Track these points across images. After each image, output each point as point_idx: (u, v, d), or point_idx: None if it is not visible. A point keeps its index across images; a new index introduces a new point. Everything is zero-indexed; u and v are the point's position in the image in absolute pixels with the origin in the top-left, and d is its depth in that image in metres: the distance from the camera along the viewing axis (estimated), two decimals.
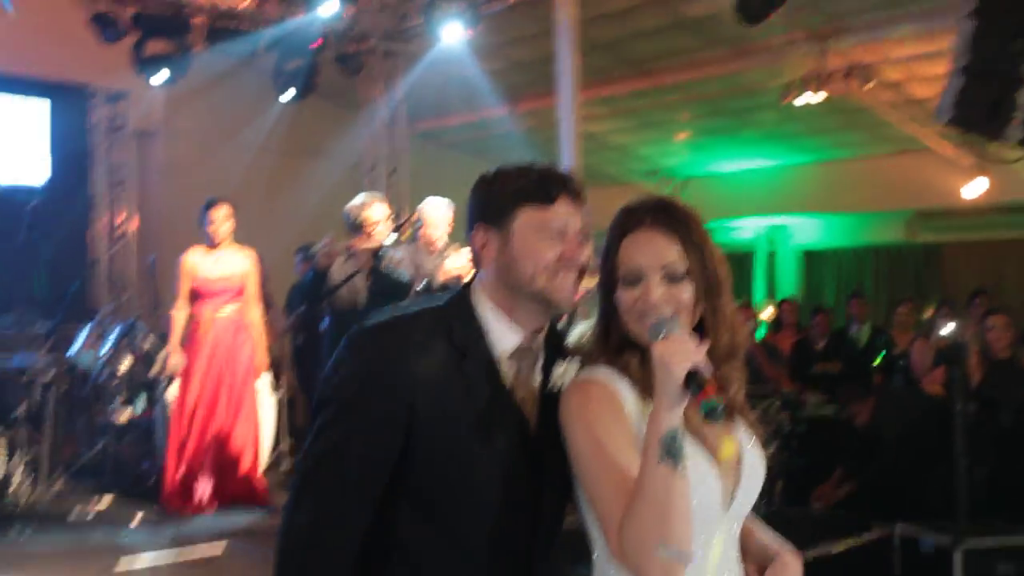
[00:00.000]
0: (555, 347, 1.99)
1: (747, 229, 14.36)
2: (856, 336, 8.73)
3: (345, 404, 1.84)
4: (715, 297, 1.84)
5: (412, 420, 1.80)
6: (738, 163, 13.65)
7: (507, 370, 1.91)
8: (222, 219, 6.71)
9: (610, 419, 1.76)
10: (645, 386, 1.79)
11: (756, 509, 1.95)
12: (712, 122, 12.45)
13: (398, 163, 11.43)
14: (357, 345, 1.90)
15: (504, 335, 1.92)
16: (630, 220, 1.86)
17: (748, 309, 8.36)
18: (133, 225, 11.31)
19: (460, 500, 1.84)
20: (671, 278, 1.80)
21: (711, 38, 10.16)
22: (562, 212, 1.91)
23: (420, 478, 1.83)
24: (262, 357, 6.97)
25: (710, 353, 1.72)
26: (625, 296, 1.83)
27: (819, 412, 6.89)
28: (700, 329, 1.83)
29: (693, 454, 1.74)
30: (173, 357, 6.74)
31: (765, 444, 1.97)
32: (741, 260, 14.54)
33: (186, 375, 6.71)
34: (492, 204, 1.94)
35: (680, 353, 1.64)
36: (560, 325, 2.06)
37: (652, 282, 1.80)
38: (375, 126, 11.47)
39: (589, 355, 1.90)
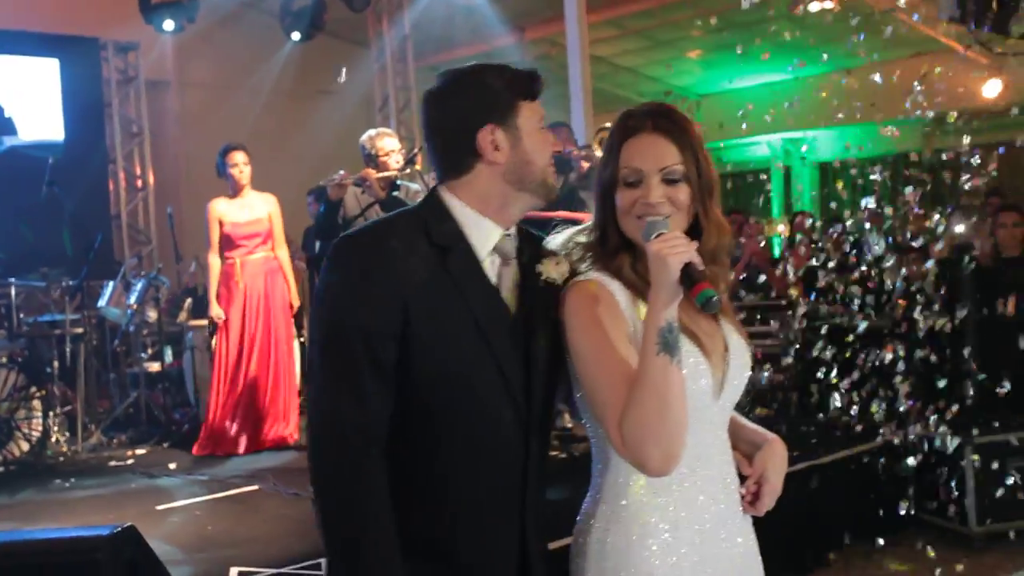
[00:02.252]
0: (531, 242, 2.05)
1: (762, 145, 14.25)
2: (872, 246, 8.70)
3: (344, 310, 1.87)
4: (708, 199, 1.94)
5: (407, 318, 1.85)
6: (752, 78, 13.50)
7: (489, 266, 1.96)
8: (243, 164, 6.77)
9: (608, 317, 1.86)
10: (636, 288, 1.91)
11: (741, 408, 2.07)
12: (723, 37, 12.28)
13: (408, 98, 11.43)
14: (343, 255, 1.92)
15: (483, 231, 1.96)
16: (631, 124, 1.95)
17: (759, 224, 8.33)
18: (150, 177, 11.38)
19: (459, 393, 1.90)
20: (670, 180, 1.90)
21: None
22: (541, 107, 1.99)
23: (418, 374, 1.88)
24: (295, 295, 7.07)
25: (700, 252, 1.82)
26: (625, 196, 1.92)
27: (833, 323, 6.92)
28: (692, 232, 1.92)
29: (685, 347, 1.84)
30: (213, 307, 6.84)
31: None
32: (757, 176, 14.46)
33: (224, 322, 6.82)
34: (496, 102, 1.95)
35: (675, 249, 1.74)
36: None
37: (652, 182, 1.90)
38: (384, 62, 11.45)
39: (582, 256, 2.00)
